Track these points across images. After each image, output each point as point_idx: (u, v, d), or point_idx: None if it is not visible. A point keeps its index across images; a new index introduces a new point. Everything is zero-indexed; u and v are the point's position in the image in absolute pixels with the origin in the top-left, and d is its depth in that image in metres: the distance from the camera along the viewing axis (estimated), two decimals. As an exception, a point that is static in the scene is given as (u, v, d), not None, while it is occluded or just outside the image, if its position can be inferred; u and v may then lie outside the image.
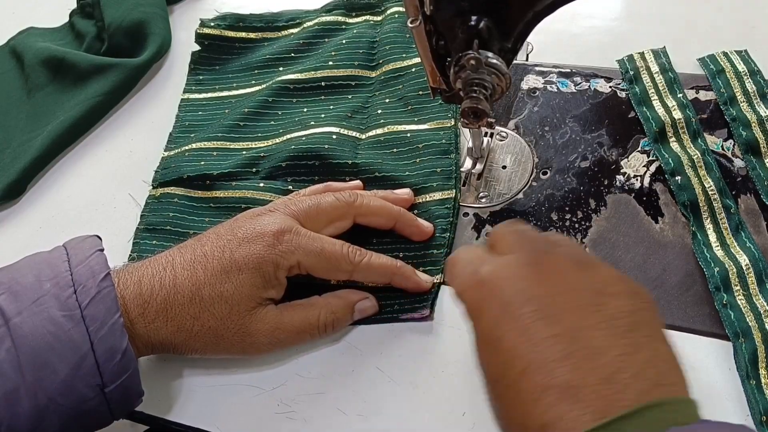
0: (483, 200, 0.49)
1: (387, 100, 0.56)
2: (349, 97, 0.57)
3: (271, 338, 0.42)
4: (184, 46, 0.66)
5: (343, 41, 0.60)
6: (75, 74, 0.63)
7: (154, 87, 0.64)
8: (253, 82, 0.61)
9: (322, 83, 0.58)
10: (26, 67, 0.66)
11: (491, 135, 0.51)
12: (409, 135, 0.53)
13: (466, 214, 0.49)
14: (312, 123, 0.55)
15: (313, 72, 0.59)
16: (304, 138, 0.54)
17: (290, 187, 0.52)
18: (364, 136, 0.54)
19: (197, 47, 0.64)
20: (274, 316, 0.42)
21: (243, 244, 0.42)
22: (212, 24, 0.65)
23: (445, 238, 0.47)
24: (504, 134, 0.53)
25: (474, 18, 0.40)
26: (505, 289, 0.31)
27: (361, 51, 0.59)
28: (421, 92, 0.55)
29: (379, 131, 0.54)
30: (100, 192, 0.56)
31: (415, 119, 0.54)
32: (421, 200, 0.49)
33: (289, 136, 0.55)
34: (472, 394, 0.41)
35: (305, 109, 0.57)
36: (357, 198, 0.46)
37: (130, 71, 0.63)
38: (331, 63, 0.59)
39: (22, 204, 0.57)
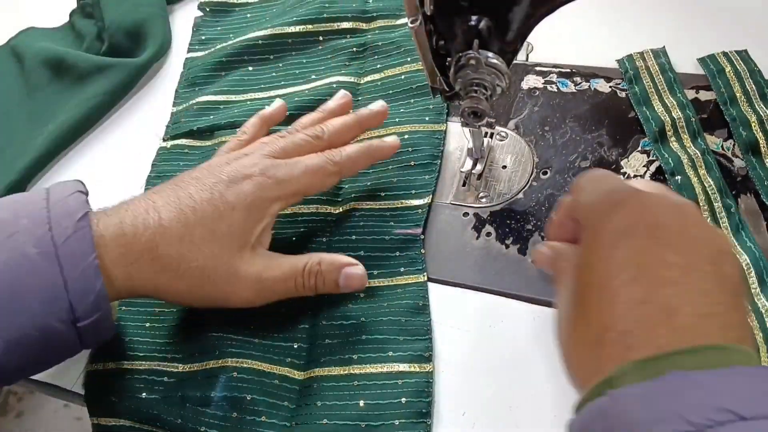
0: (483, 200, 0.49)
1: (381, 44, 0.59)
2: (344, 42, 0.60)
3: (257, 283, 0.42)
4: (184, 46, 0.66)
5: None
6: (75, 74, 0.63)
7: (154, 87, 0.64)
8: (252, 30, 0.64)
9: (320, 37, 0.61)
10: (26, 67, 0.66)
11: (491, 135, 0.51)
12: (403, 77, 0.56)
13: (466, 214, 0.49)
14: (313, 77, 0.59)
15: (309, 25, 0.62)
16: (306, 91, 0.57)
17: None
18: (362, 81, 0.58)
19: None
20: (263, 261, 0.43)
21: (231, 185, 0.42)
22: None
23: (436, 165, 0.50)
24: (504, 134, 0.53)
25: (474, 18, 0.40)
26: (656, 215, 0.31)
27: (354, 5, 0.63)
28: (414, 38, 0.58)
29: (376, 76, 0.58)
30: (100, 192, 0.56)
31: (409, 59, 0.57)
32: (414, 129, 0.53)
33: (292, 89, 0.58)
34: (472, 394, 0.41)
35: (304, 60, 0.61)
36: (323, 130, 0.48)
37: (130, 71, 0.63)
38: (325, 15, 0.62)
39: (22, 204, 0.57)
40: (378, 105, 0.51)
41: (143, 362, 0.44)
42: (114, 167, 0.58)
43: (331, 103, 0.51)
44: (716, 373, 0.25)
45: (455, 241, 0.48)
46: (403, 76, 0.57)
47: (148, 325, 0.46)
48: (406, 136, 0.52)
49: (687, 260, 0.29)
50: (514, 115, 0.54)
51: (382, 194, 0.50)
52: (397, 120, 0.54)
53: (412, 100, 0.55)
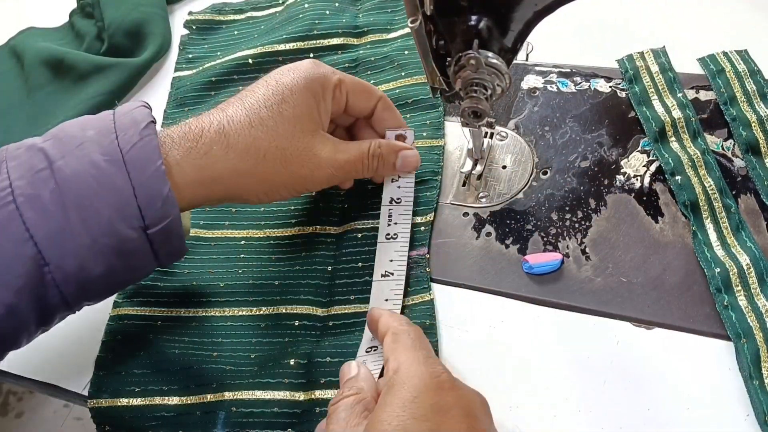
0: (483, 200, 0.49)
1: (373, 59, 0.59)
2: (336, 58, 0.60)
3: (332, 161, 0.44)
4: (184, 46, 0.66)
5: (326, 12, 0.63)
6: (75, 74, 0.64)
7: (154, 87, 0.64)
8: (240, 48, 0.63)
9: (311, 54, 0.61)
10: (26, 67, 0.66)
11: (491, 135, 0.51)
12: (398, 91, 0.56)
13: (466, 214, 0.49)
14: None
15: (299, 42, 0.61)
16: None
17: None
18: None
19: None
20: (333, 142, 0.45)
21: (285, 75, 0.44)
22: (200, 12, 0.68)
23: (437, 181, 0.50)
24: (504, 134, 0.53)
25: (474, 18, 0.40)
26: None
27: (344, 20, 0.62)
28: (406, 51, 0.58)
29: None
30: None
31: (403, 74, 0.57)
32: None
33: None
34: (472, 394, 0.41)
35: None
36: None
37: (130, 71, 0.63)
38: (315, 32, 0.62)
39: (22, 204, 0.57)
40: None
41: (139, 398, 0.43)
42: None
43: None
44: None
45: (455, 241, 0.48)
46: (397, 91, 0.56)
47: (142, 353, 0.45)
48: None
49: None
50: (514, 115, 0.54)
51: (372, 213, 0.49)
52: None
53: (408, 115, 0.54)
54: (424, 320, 0.43)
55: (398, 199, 0.48)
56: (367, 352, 0.41)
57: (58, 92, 0.64)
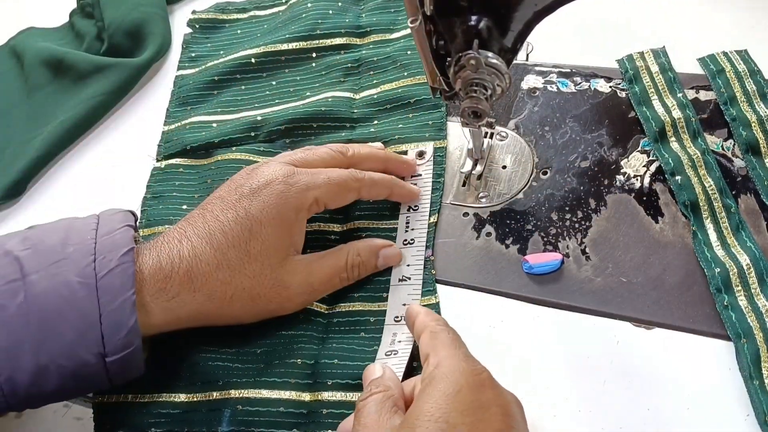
0: (483, 200, 0.49)
1: (376, 59, 0.59)
2: (338, 58, 0.60)
3: (306, 286, 0.43)
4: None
5: (329, 11, 0.63)
6: (75, 74, 0.63)
7: (154, 87, 0.64)
8: (243, 47, 0.63)
9: (313, 54, 0.61)
10: (26, 67, 0.66)
11: (491, 135, 0.51)
12: (400, 91, 0.56)
13: (466, 214, 0.49)
14: (308, 93, 0.58)
15: (302, 42, 0.61)
16: (301, 106, 0.57)
17: (289, 149, 0.54)
18: (358, 97, 0.57)
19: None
20: (305, 265, 0.43)
21: (254, 199, 0.42)
22: (203, 11, 0.68)
23: (440, 182, 0.50)
24: (504, 134, 0.53)
25: (474, 18, 0.40)
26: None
27: (347, 20, 0.62)
28: (409, 51, 0.58)
29: (373, 91, 0.57)
30: (101, 192, 0.56)
31: (405, 74, 0.57)
32: (415, 146, 0.53)
33: (286, 105, 0.57)
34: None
35: (298, 78, 0.60)
36: (348, 148, 0.48)
37: (130, 71, 0.63)
38: (318, 32, 0.61)
39: (22, 204, 0.57)
40: (409, 157, 0.51)
41: (146, 395, 0.43)
42: (114, 167, 0.58)
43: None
44: None
45: (455, 241, 0.48)
46: (400, 90, 0.56)
47: (146, 354, 0.44)
48: (408, 154, 0.52)
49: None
50: (514, 115, 0.54)
51: (387, 213, 0.49)
52: (396, 137, 0.53)
53: (410, 115, 0.54)
54: None
55: (415, 206, 0.49)
56: (386, 355, 0.41)
57: (58, 92, 0.64)
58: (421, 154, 0.51)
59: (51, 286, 0.37)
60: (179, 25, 0.68)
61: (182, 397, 0.42)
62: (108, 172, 0.58)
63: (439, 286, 0.45)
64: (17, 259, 0.38)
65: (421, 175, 0.51)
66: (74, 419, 1.32)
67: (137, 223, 0.44)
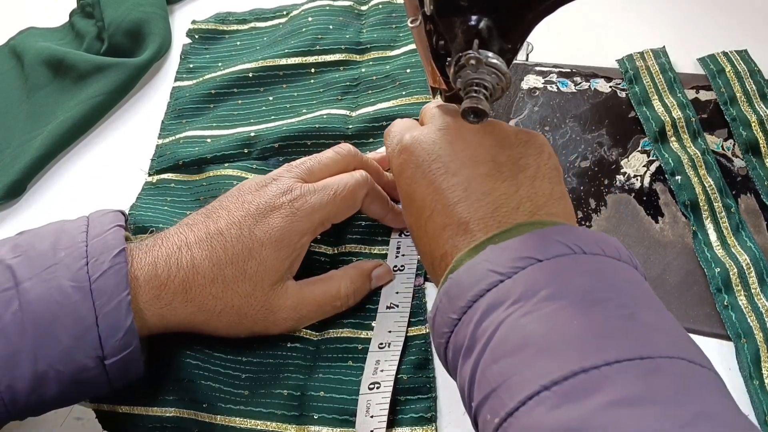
0: (483, 200, 0.49)
1: (374, 78, 0.58)
2: (337, 76, 0.59)
3: (294, 313, 0.42)
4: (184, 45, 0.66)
5: (330, 26, 0.62)
6: (75, 74, 0.63)
7: (154, 87, 0.64)
8: (242, 60, 0.62)
9: (312, 69, 0.60)
10: (26, 67, 0.66)
11: (491, 135, 0.51)
12: (398, 109, 0.55)
13: (466, 214, 0.49)
14: (304, 111, 0.57)
15: (301, 57, 0.60)
16: (296, 123, 0.56)
17: None
18: (353, 114, 0.56)
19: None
20: (296, 291, 0.43)
21: (260, 220, 0.42)
22: (203, 20, 0.68)
23: None
24: (504, 134, 0.53)
25: (474, 18, 0.40)
26: (419, 152, 0.38)
27: (347, 36, 0.61)
28: (408, 69, 0.57)
29: (369, 109, 0.56)
30: (101, 192, 0.56)
31: (404, 93, 0.56)
32: None
33: (281, 122, 0.56)
34: (472, 394, 0.41)
35: (296, 94, 0.59)
36: (351, 150, 0.47)
37: (130, 71, 0.63)
38: (318, 47, 0.61)
39: (22, 204, 0.57)
40: None
41: (139, 407, 0.42)
42: (114, 167, 0.58)
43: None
44: (519, 239, 0.31)
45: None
46: (397, 109, 0.55)
47: (145, 355, 0.43)
48: None
49: (461, 178, 0.36)
50: (514, 115, 0.54)
51: (379, 239, 0.48)
52: None
53: None
54: (420, 356, 0.42)
55: (407, 232, 0.47)
56: (369, 389, 0.40)
57: (58, 92, 0.64)
58: None
59: (45, 292, 0.37)
60: (179, 26, 0.68)
61: (172, 412, 0.42)
62: (108, 172, 0.58)
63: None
64: (9, 267, 0.38)
65: None
66: (74, 419, 1.32)
67: (127, 223, 0.44)
